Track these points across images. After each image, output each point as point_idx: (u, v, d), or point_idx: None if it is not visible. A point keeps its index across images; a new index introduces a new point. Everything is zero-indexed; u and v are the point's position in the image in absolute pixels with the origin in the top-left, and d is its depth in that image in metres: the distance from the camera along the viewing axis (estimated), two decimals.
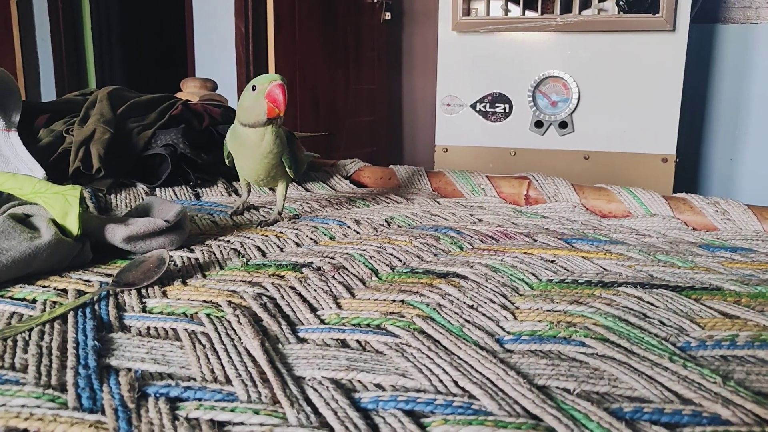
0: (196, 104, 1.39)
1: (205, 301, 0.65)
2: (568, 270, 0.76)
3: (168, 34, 3.97)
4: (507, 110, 1.93)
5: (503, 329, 0.60)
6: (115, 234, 0.76)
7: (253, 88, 0.87)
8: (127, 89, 1.39)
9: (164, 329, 0.59)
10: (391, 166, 1.39)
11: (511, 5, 1.90)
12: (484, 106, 1.95)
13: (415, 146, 3.66)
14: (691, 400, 0.47)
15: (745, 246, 0.90)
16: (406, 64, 3.69)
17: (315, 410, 0.45)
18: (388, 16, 3.57)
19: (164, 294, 0.67)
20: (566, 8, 1.81)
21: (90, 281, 0.70)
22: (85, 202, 0.95)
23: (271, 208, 1.07)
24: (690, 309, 0.64)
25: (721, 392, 0.47)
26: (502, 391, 0.48)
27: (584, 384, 0.49)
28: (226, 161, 1.01)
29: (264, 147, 0.90)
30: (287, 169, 0.95)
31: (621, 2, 1.75)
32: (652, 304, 0.65)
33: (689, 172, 2.33)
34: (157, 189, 1.18)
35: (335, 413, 0.45)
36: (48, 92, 3.48)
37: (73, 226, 0.74)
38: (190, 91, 1.67)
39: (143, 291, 0.67)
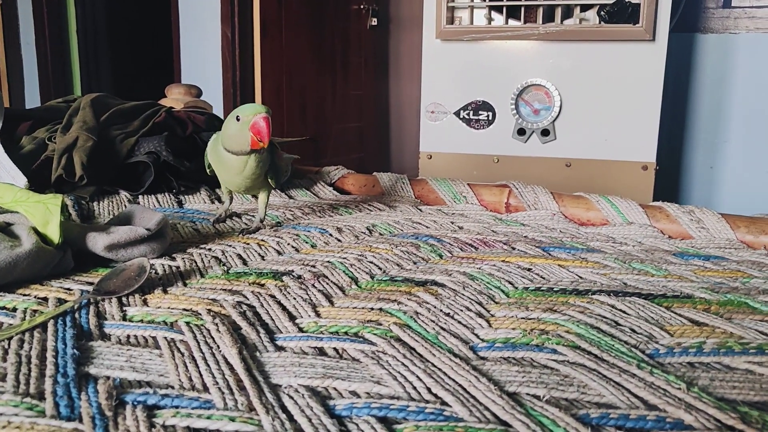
0: (180, 112, 1.39)
1: (185, 310, 0.65)
2: (544, 278, 0.78)
3: (154, 40, 3.96)
4: (490, 118, 1.95)
5: (478, 337, 0.61)
6: (97, 242, 0.77)
7: (237, 119, 0.87)
8: (110, 96, 1.39)
9: (144, 338, 0.59)
10: (374, 173, 1.40)
11: (494, 14, 1.92)
12: (468, 114, 1.96)
13: (402, 152, 3.68)
14: (656, 405, 0.48)
15: (717, 254, 0.92)
16: (392, 69, 3.70)
17: (290, 417, 0.46)
18: (374, 21, 3.59)
19: (145, 302, 0.67)
20: (549, 17, 1.84)
21: (71, 289, 0.70)
22: (66, 210, 0.96)
23: (253, 216, 1.08)
24: (661, 317, 0.66)
25: (685, 398, 0.49)
26: (473, 397, 0.49)
27: (554, 390, 0.50)
28: (207, 171, 1.02)
29: (247, 171, 0.92)
30: (269, 180, 0.98)
31: (602, 12, 1.77)
32: (624, 312, 0.67)
33: (671, 179, 2.36)
34: (140, 196, 1.18)
35: (309, 420, 0.46)
36: (32, 97, 3.46)
37: (54, 234, 0.74)
38: (174, 98, 1.68)
39: (124, 299, 0.68)
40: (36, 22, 3.45)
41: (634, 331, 0.62)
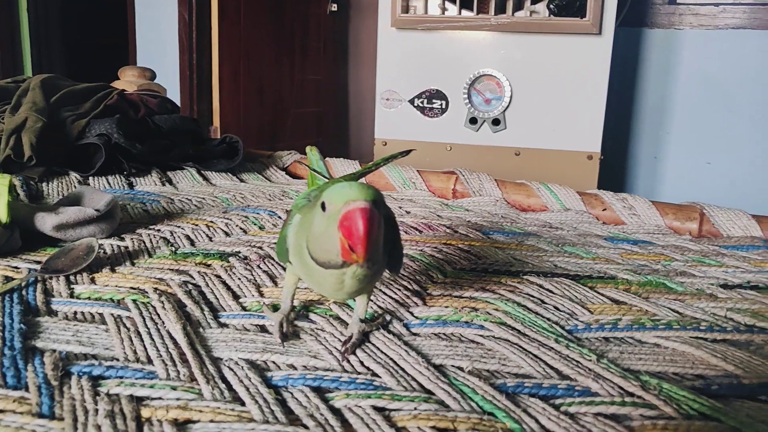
0: (132, 94, 1.39)
1: (132, 288, 0.67)
2: (480, 259, 0.82)
3: (109, 20, 3.88)
4: (443, 106, 1.99)
5: (412, 314, 0.65)
6: (45, 222, 0.78)
7: (323, 207, 0.51)
8: (61, 77, 1.38)
9: (91, 314, 0.61)
10: (326, 158, 1.43)
11: (448, 4, 1.96)
12: (422, 102, 2.00)
13: (361, 138, 3.70)
14: (568, 375, 0.53)
15: (645, 239, 0.98)
16: (352, 55, 3.71)
17: (229, 387, 0.49)
18: (334, 7, 3.59)
19: (92, 281, 0.69)
20: (501, 9, 1.88)
21: (18, 268, 0.72)
22: (15, 190, 0.96)
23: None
24: (584, 296, 0.70)
25: (595, 368, 0.53)
26: (402, 369, 0.53)
27: (477, 363, 0.54)
28: (282, 261, 0.63)
29: (347, 288, 0.54)
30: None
31: (551, 5, 1.82)
32: (551, 291, 0.71)
33: (617, 169, 2.44)
34: (91, 178, 1.19)
35: (247, 389, 0.49)
36: None
37: (1, 214, 0.75)
38: (127, 80, 1.67)
39: (72, 278, 0.69)
40: None
41: (557, 308, 0.67)
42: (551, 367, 0.54)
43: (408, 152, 0.70)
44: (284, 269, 0.75)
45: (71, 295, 0.65)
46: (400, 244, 0.61)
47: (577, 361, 0.54)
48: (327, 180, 0.69)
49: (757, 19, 2.21)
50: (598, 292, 0.71)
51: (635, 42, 2.36)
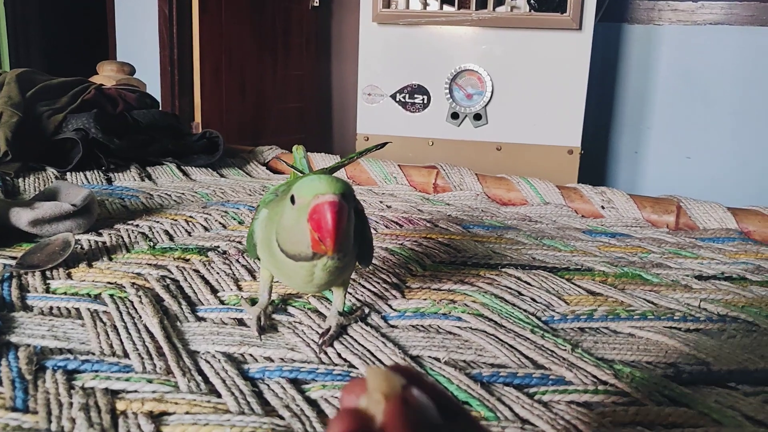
0: (110, 89, 1.38)
1: (109, 283, 0.67)
2: (459, 252, 0.83)
3: (88, 14, 3.84)
4: (425, 101, 1.99)
5: (391, 307, 0.65)
6: (20, 217, 0.78)
7: (293, 200, 0.50)
8: (37, 72, 1.37)
9: (67, 309, 0.61)
10: (308, 154, 1.43)
11: None
12: (404, 97, 2.00)
13: (343, 133, 3.69)
14: (543, 365, 0.53)
15: (623, 232, 0.99)
16: (334, 51, 3.71)
17: (205, 379, 0.49)
18: (316, 2, 3.57)
19: (69, 276, 0.69)
20: (482, 4, 1.89)
21: None
22: None
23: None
24: (561, 287, 0.71)
25: (569, 358, 0.54)
26: (379, 360, 0.53)
27: (453, 353, 0.55)
28: (252, 257, 0.67)
29: (316, 280, 0.54)
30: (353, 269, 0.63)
31: (532, 1, 1.83)
32: (528, 283, 0.72)
33: (598, 163, 2.46)
34: (68, 173, 1.18)
35: (224, 381, 0.49)
36: None
37: None
38: (106, 75, 1.66)
39: (48, 273, 0.69)
40: None
41: (534, 300, 0.67)
42: (526, 357, 0.54)
43: (383, 145, 0.71)
44: None
45: (47, 291, 0.65)
46: (370, 236, 0.61)
47: (552, 351, 0.55)
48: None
49: (734, 14, 2.24)
50: (575, 284, 0.72)
51: (615, 37, 2.37)
